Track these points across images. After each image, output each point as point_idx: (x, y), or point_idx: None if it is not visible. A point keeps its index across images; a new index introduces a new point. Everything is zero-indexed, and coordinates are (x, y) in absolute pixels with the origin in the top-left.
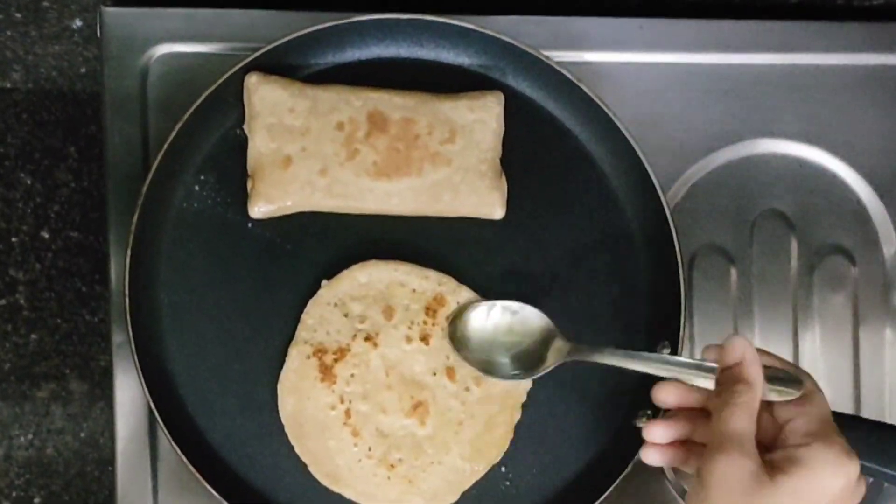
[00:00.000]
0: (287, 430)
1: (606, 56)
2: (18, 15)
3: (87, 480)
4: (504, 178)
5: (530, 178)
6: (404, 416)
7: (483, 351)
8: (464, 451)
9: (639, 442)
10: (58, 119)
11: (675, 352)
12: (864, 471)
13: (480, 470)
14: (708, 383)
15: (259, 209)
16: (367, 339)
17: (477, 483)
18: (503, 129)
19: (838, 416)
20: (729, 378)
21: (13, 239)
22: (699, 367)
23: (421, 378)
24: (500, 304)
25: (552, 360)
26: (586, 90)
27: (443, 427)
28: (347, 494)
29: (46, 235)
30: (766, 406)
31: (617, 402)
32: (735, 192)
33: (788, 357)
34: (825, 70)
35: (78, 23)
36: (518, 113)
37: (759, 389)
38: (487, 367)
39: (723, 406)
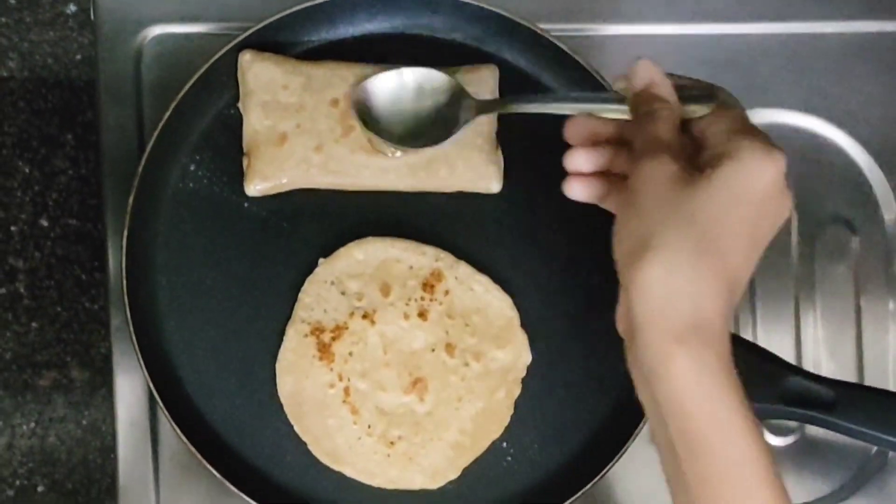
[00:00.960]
0: (286, 409)
1: (602, 28)
2: (13, 1)
3: (89, 468)
4: (500, 151)
5: (526, 152)
6: (403, 393)
7: (392, 123)
8: (464, 427)
9: (639, 416)
10: (54, 107)
11: None
12: (869, 439)
13: (481, 446)
14: (622, 113)
15: (255, 187)
16: (365, 316)
17: (478, 459)
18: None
19: (845, 385)
20: (643, 100)
21: (12, 228)
22: (610, 99)
23: (419, 354)
24: (406, 71)
25: (463, 120)
26: (582, 62)
27: (442, 403)
28: (348, 472)
29: (45, 223)
30: (684, 128)
31: (618, 376)
32: None
33: (791, 329)
34: (823, 38)
35: (72, 7)
36: (513, 86)
37: (675, 103)
38: (401, 140)
39: (643, 123)
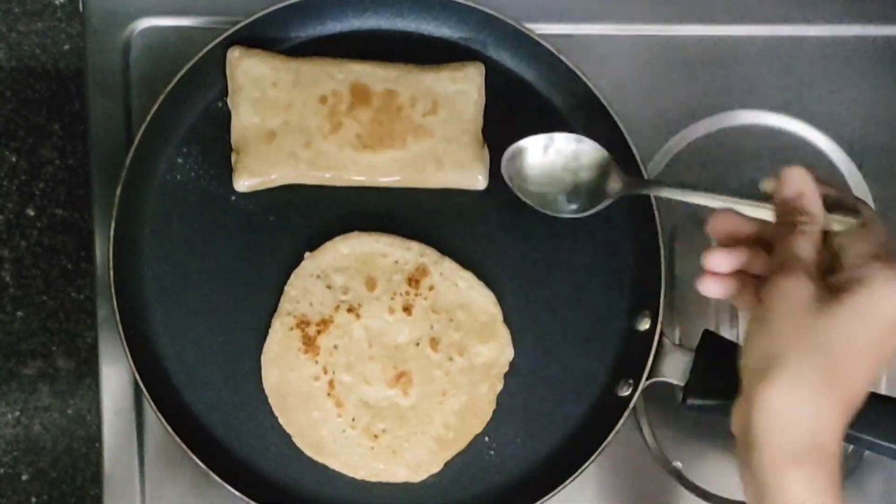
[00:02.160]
0: (271, 401)
1: (587, 28)
2: None
3: (74, 457)
4: (486, 148)
5: None
6: (387, 386)
7: (540, 186)
8: (447, 421)
9: (620, 411)
10: (41, 97)
11: (655, 321)
12: (846, 438)
13: (464, 440)
14: (766, 214)
15: (244, 183)
16: (350, 310)
17: (461, 453)
18: (484, 99)
19: None
20: (789, 210)
21: None
22: (757, 199)
23: (404, 348)
24: (558, 137)
25: (611, 195)
26: (567, 62)
27: (426, 397)
28: (332, 465)
29: (32, 213)
30: (821, 236)
31: (599, 372)
32: (715, 162)
33: None
34: (805, 41)
35: None
36: (499, 84)
37: (820, 219)
38: (544, 204)
39: (785, 234)
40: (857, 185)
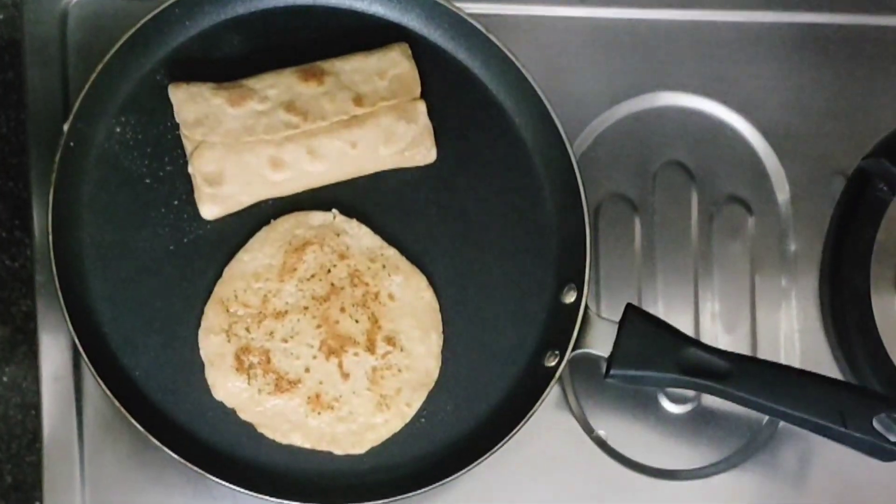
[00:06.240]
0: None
1: (515, 9)
2: None
3: (9, 424)
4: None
5: (442, 127)
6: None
7: None
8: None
9: (546, 382)
10: None
11: (580, 294)
12: (761, 408)
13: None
14: None
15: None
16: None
17: None
18: (418, 75)
19: (739, 357)
20: None
21: None
22: None
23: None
24: None
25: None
26: (496, 41)
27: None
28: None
29: None
30: None
31: (527, 344)
32: (638, 142)
33: (690, 304)
34: (724, 26)
35: None
36: (428, 62)
37: None
38: None
39: None
40: (773, 165)
